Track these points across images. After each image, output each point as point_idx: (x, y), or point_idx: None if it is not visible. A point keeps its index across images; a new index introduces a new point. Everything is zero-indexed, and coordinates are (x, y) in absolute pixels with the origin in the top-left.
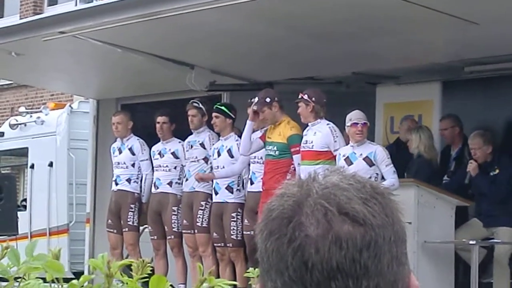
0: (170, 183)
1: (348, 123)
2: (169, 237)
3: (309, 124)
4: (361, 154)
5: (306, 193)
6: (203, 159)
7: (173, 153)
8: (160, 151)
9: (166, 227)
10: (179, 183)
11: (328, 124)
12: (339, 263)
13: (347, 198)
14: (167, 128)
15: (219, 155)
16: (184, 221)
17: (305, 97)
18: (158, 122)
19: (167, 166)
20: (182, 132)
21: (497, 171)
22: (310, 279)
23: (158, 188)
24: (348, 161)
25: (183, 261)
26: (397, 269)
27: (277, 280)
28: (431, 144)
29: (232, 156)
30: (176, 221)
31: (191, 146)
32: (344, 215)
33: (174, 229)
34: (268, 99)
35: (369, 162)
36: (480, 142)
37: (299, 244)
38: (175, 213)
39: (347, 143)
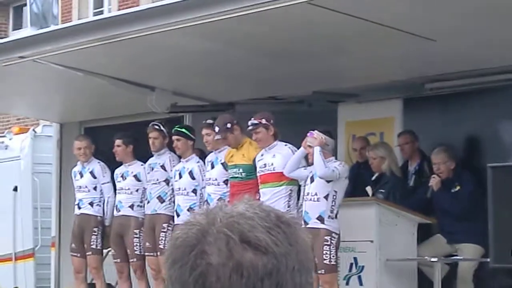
0: (131, 206)
1: None
2: (132, 260)
3: (265, 148)
4: None
5: (211, 222)
6: (164, 181)
7: (135, 176)
8: (122, 174)
9: (128, 250)
10: (140, 206)
11: (286, 145)
12: None
13: (251, 227)
14: (121, 151)
15: (180, 177)
16: (147, 244)
17: (263, 121)
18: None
19: (129, 188)
20: (145, 154)
21: (458, 187)
22: None
23: (119, 211)
24: (312, 179)
25: (146, 284)
26: None
27: None
28: (397, 161)
29: (193, 178)
30: (138, 244)
31: (152, 169)
32: (246, 243)
33: (136, 252)
34: (228, 125)
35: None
36: (445, 158)
37: (201, 272)
38: (137, 236)
39: None
